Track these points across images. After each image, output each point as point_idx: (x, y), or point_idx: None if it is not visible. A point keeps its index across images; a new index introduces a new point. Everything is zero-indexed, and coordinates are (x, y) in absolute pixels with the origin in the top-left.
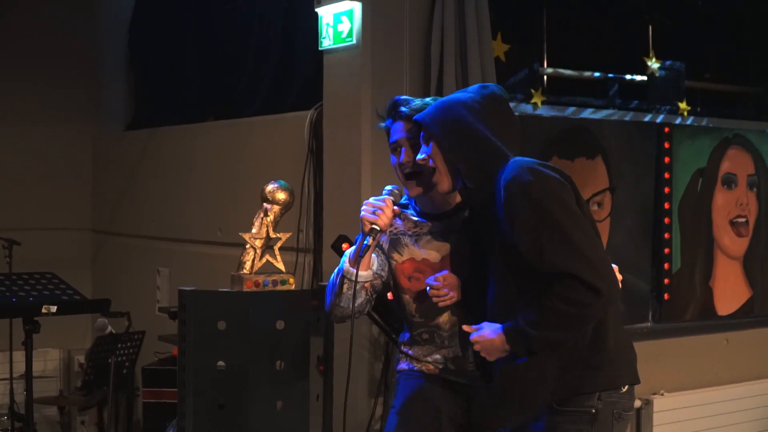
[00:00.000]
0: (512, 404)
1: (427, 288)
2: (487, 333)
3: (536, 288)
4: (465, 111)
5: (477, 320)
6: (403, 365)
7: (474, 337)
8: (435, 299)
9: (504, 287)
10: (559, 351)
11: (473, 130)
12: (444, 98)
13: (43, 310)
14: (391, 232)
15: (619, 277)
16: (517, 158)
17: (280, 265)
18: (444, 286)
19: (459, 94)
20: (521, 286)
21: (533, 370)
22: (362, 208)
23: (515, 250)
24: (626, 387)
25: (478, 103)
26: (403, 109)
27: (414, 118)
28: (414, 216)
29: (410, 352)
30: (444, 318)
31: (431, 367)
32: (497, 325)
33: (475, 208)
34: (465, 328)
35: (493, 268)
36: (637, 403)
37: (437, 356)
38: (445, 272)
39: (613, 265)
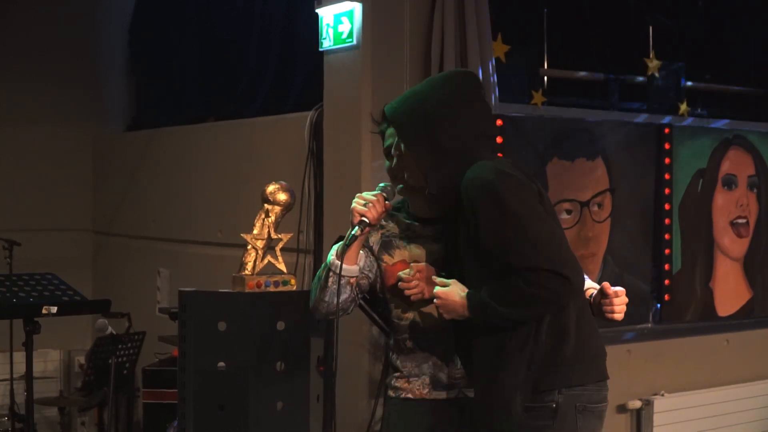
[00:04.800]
0: (498, 413)
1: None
2: (452, 292)
3: None
4: (434, 117)
5: (462, 323)
6: (391, 393)
7: (438, 291)
8: (406, 292)
9: (478, 288)
10: (514, 327)
11: (441, 142)
12: (415, 94)
13: (44, 311)
14: (382, 234)
15: (625, 300)
16: (482, 161)
17: (282, 266)
18: (414, 279)
19: (428, 91)
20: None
21: (512, 376)
22: (354, 201)
23: (483, 251)
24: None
25: (448, 101)
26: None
27: (386, 110)
28: (406, 219)
29: (399, 365)
30: (430, 323)
31: (417, 390)
32: (463, 288)
33: (442, 211)
34: (434, 279)
35: (466, 271)
36: (638, 404)
37: (425, 366)
38: (421, 264)
39: (620, 288)
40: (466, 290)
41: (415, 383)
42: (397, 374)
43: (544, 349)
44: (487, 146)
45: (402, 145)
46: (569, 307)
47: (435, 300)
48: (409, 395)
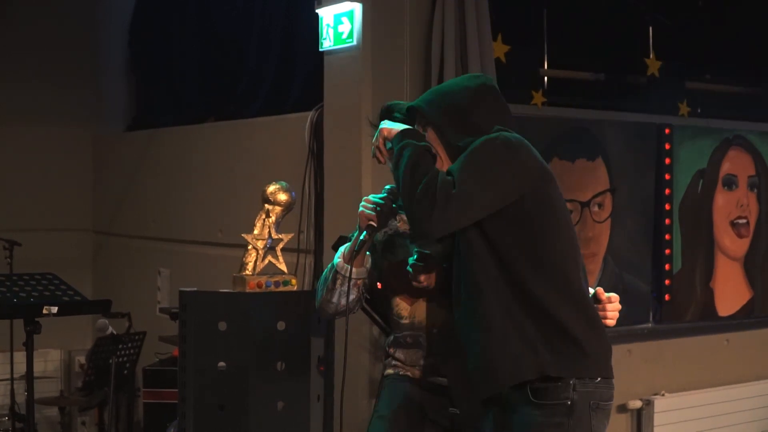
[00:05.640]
0: (480, 383)
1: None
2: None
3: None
4: (464, 97)
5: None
6: (389, 370)
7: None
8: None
9: (466, 276)
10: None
11: (473, 114)
12: (439, 85)
13: (44, 311)
14: (385, 232)
15: (618, 307)
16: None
17: (282, 266)
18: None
19: (455, 82)
20: (486, 274)
21: (496, 349)
22: (361, 204)
23: (483, 239)
24: (599, 378)
25: (475, 90)
26: (396, 115)
27: (410, 105)
28: None
29: (397, 356)
30: (431, 321)
31: (417, 372)
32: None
33: None
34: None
35: (458, 261)
36: (638, 404)
37: (423, 363)
38: (427, 252)
39: (614, 294)
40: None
41: (412, 369)
42: (396, 362)
43: (551, 336)
44: (513, 130)
45: (429, 131)
46: (571, 300)
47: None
48: (408, 373)
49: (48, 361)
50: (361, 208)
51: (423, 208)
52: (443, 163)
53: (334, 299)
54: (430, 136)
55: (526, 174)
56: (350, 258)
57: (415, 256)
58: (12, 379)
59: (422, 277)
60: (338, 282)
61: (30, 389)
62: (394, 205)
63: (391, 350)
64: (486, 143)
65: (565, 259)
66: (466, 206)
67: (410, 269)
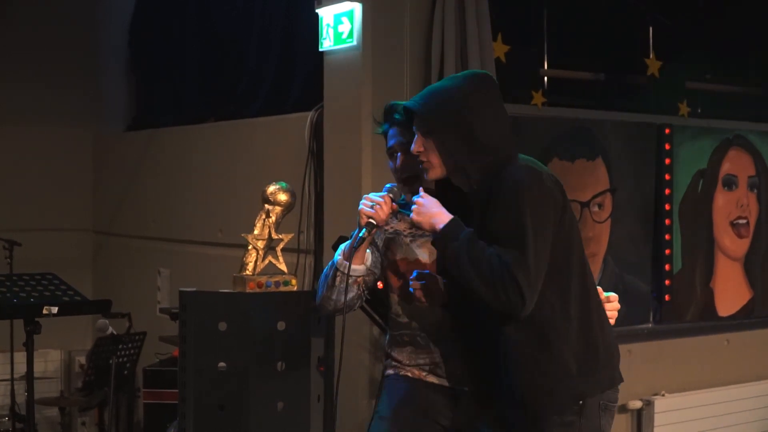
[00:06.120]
0: (522, 411)
1: (410, 288)
2: (434, 207)
3: None
4: (461, 106)
5: (462, 323)
6: (389, 371)
7: (420, 198)
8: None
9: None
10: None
11: (472, 127)
12: (436, 87)
13: (44, 311)
14: (387, 231)
15: (617, 306)
16: (526, 158)
17: (283, 267)
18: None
19: (451, 85)
20: None
21: (543, 377)
22: (361, 202)
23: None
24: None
25: (471, 97)
26: (396, 115)
27: (410, 106)
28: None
29: (395, 355)
30: (429, 320)
31: (416, 371)
32: (446, 212)
33: (473, 204)
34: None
35: None
36: (638, 404)
37: (421, 362)
38: (426, 272)
39: (613, 294)
40: (449, 215)
41: (411, 369)
42: (395, 363)
43: (578, 356)
44: (510, 130)
45: (428, 139)
46: (593, 313)
47: (416, 200)
48: (408, 374)
49: (48, 361)
50: (361, 206)
51: (510, 297)
52: (436, 171)
53: (334, 296)
54: (429, 143)
55: (556, 201)
56: (350, 255)
57: (415, 274)
58: (12, 380)
59: (421, 295)
60: (338, 279)
61: (30, 389)
62: (394, 202)
63: (389, 350)
64: (520, 194)
65: (582, 265)
66: (536, 263)
67: (411, 290)
